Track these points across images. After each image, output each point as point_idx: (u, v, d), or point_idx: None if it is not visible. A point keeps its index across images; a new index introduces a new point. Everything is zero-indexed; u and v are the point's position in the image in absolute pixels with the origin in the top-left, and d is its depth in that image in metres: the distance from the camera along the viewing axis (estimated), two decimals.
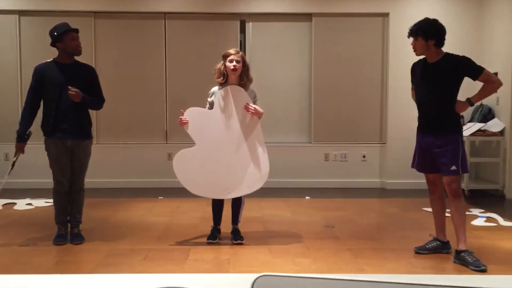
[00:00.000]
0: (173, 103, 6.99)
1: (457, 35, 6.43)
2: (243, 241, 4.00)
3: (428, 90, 3.61)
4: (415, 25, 3.57)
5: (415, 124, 3.85)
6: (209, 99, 4.02)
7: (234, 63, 3.89)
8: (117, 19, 7.01)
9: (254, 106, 3.93)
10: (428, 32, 3.51)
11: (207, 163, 3.95)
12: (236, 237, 4.03)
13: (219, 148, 3.96)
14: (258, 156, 3.97)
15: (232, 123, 3.97)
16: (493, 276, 3.18)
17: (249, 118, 3.97)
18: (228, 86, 3.96)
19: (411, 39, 3.62)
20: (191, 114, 3.97)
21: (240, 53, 3.97)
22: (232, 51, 3.94)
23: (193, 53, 7.00)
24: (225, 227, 4.18)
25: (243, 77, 3.97)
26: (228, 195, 3.99)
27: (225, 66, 3.93)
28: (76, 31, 4.04)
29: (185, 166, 3.95)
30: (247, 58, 6.97)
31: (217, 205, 4.10)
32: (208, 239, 4.05)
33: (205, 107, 4.05)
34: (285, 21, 7.13)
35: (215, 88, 4.03)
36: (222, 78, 3.95)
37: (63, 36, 3.97)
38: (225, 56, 3.95)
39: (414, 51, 3.65)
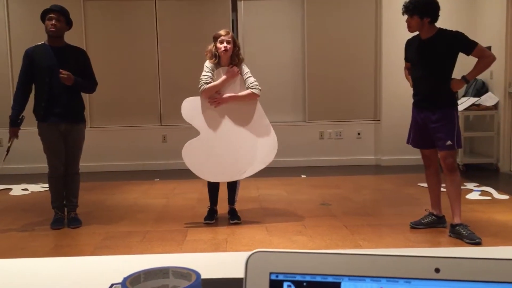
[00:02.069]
0: (166, 84, 6.95)
1: (449, 9, 6.38)
2: (240, 221, 4.03)
3: (423, 66, 3.60)
4: (411, 2, 3.53)
5: (409, 100, 3.84)
6: (209, 74, 3.93)
7: (225, 44, 3.89)
8: (107, 0, 6.92)
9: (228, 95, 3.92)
10: (424, 10, 3.48)
11: (215, 148, 3.94)
12: (233, 217, 4.05)
13: (224, 131, 3.95)
14: (263, 129, 3.99)
15: (231, 104, 3.96)
16: (487, 248, 3.23)
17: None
18: (220, 69, 3.96)
19: (405, 15, 3.59)
20: (189, 106, 3.95)
21: (231, 33, 3.97)
22: (222, 32, 3.93)
23: (184, 33, 6.93)
24: (222, 207, 4.20)
25: (234, 57, 3.97)
26: (244, 175, 3.99)
27: (216, 47, 3.93)
28: (54, 11, 3.91)
29: (195, 156, 3.92)
30: (240, 37, 6.98)
31: (213, 186, 4.11)
32: (205, 220, 4.07)
33: (204, 77, 3.92)
34: None
35: (211, 64, 3.97)
36: (214, 59, 3.95)
37: (44, 18, 3.93)
38: (215, 38, 3.94)
39: (408, 28, 3.62)
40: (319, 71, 7.01)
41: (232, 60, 3.97)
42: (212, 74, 3.94)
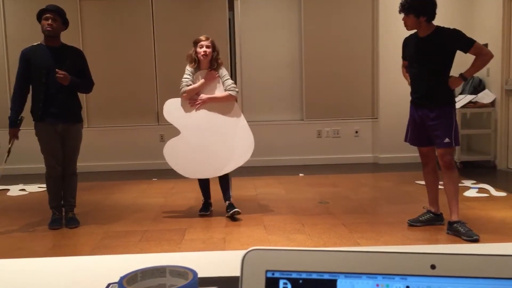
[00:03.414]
0: (163, 84, 6.94)
1: (446, 7, 6.39)
2: (239, 211, 4.08)
3: (420, 64, 3.60)
4: (406, 1, 3.52)
5: (406, 98, 3.84)
6: (189, 77, 4.14)
7: (204, 48, 4.09)
8: None
9: (206, 96, 4.12)
10: (419, 9, 3.48)
11: (195, 146, 4.11)
12: (232, 208, 4.08)
13: (203, 130, 4.12)
14: (241, 129, 4.15)
15: (210, 104, 4.14)
16: (484, 245, 3.23)
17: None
18: (199, 72, 4.16)
19: (402, 14, 3.59)
20: (171, 106, 4.16)
21: (210, 39, 4.16)
22: (202, 37, 4.15)
23: (181, 32, 6.92)
24: (220, 206, 4.20)
25: (213, 62, 4.15)
26: (222, 171, 4.13)
27: (196, 52, 4.13)
28: (50, 11, 3.90)
29: (176, 155, 4.13)
30: (237, 36, 6.98)
31: (203, 181, 4.29)
32: (200, 211, 4.26)
33: (184, 80, 4.14)
34: None
35: (191, 68, 4.19)
36: (193, 63, 4.16)
37: (40, 18, 3.93)
38: (195, 43, 4.17)
39: (405, 26, 3.63)
40: (316, 69, 7.01)
41: (211, 64, 4.17)
42: (192, 77, 4.14)
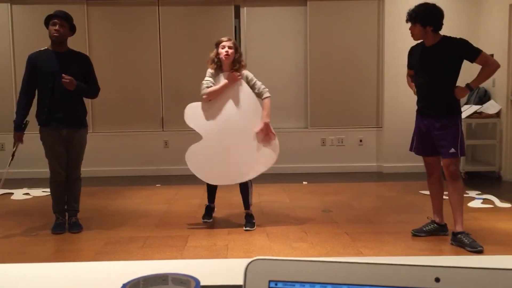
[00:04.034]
0: (168, 90, 6.97)
1: (452, 17, 6.39)
2: (254, 228, 4.02)
3: (427, 73, 3.60)
4: (413, 11, 3.53)
5: (411, 107, 3.84)
6: (210, 79, 4.00)
7: (226, 49, 3.96)
8: (110, 6, 6.95)
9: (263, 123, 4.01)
10: (426, 19, 3.48)
11: (218, 152, 3.99)
12: (246, 224, 4.05)
13: (226, 134, 3.99)
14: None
15: (232, 107, 4.02)
16: (488, 257, 3.21)
17: (248, 100, 4.03)
18: (222, 74, 4.02)
19: (409, 23, 3.60)
20: (192, 111, 4.01)
21: (232, 40, 4.05)
22: (224, 38, 4.04)
23: (187, 40, 6.95)
24: (223, 214, 4.19)
25: (235, 63, 4.03)
26: (245, 177, 4.04)
27: (217, 53, 4.00)
28: (58, 17, 3.92)
29: (198, 161, 3.99)
30: (242, 44, 7.00)
31: (211, 184, 4.19)
32: (203, 218, 4.18)
33: (205, 82, 4.00)
34: (280, 5, 7.08)
35: (212, 70, 4.05)
36: (213, 65, 4.03)
37: (47, 23, 3.95)
38: (217, 44, 4.03)
39: (412, 36, 3.63)
40: (321, 77, 7.02)
41: (233, 65, 4.03)
42: (213, 80, 4.00)
